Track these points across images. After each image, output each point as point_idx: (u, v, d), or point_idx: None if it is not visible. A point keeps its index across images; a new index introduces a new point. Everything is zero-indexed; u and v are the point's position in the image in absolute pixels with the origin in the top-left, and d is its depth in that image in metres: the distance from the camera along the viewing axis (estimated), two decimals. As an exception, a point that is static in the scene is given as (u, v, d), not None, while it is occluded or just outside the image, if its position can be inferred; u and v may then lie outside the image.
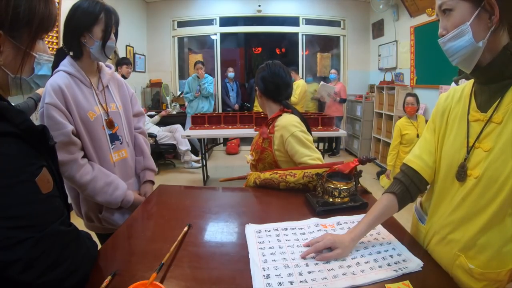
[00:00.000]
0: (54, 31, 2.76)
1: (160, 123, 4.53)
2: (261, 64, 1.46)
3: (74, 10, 1.08)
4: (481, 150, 0.70)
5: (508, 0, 0.62)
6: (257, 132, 1.53)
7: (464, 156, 0.73)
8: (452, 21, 0.67)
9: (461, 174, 0.73)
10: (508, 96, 0.66)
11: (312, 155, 1.26)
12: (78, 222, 0.99)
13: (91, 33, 1.08)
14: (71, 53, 1.12)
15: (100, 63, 1.22)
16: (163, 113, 4.58)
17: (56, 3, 2.72)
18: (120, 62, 3.74)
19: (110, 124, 1.19)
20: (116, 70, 3.64)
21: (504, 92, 0.67)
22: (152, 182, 1.38)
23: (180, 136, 4.18)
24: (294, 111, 1.40)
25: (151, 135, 4.02)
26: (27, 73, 0.62)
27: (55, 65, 1.13)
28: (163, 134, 4.28)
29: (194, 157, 4.43)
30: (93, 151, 1.14)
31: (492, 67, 0.68)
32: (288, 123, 1.31)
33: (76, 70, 1.12)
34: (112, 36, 1.12)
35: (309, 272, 0.71)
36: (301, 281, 0.68)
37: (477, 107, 0.73)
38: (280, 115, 1.37)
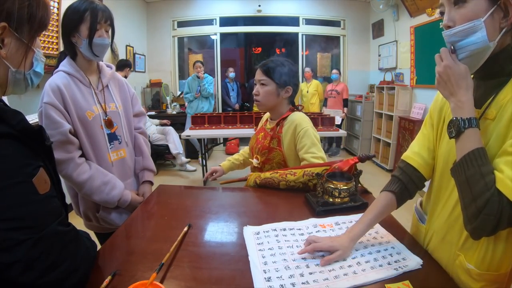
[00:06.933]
0: (55, 31, 2.76)
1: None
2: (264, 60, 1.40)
3: (66, 11, 1.08)
4: None
5: None
6: (254, 134, 1.53)
7: None
8: (463, 14, 0.63)
9: None
10: (503, 92, 0.65)
11: (316, 154, 1.27)
12: (77, 221, 0.99)
13: (79, 32, 1.07)
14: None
15: (100, 62, 1.22)
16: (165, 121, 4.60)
17: (56, 3, 2.74)
18: (123, 65, 3.76)
19: (109, 123, 1.19)
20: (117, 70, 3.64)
21: (500, 88, 0.66)
22: (151, 183, 1.37)
23: (171, 138, 4.09)
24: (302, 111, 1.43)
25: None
26: (27, 67, 0.64)
27: (57, 67, 1.13)
28: (156, 136, 4.19)
29: (184, 159, 4.23)
30: (91, 150, 1.14)
31: (495, 62, 0.67)
32: (301, 119, 1.34)
33: (75, 70, 1.12)
34: (102, 33, 1.10)
35: (311, 273, 0.71)
36: (303, 283, 0.68)
37: None
38: (289, 114, 1.38)
